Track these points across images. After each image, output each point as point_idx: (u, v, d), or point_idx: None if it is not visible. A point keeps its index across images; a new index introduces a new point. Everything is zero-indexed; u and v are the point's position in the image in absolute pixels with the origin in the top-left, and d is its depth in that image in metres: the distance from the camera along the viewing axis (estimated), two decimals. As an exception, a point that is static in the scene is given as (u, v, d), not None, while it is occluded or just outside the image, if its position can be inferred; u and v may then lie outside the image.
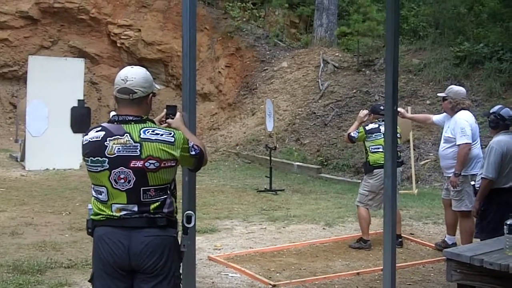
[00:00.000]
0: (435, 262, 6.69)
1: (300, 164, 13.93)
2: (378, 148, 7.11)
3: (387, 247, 4.33)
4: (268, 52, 19.20)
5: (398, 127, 7.38)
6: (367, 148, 7.34)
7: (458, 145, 6.60)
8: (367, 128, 7.37)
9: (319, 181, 12.76)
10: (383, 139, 6.85)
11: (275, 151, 12.66)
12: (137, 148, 3.09)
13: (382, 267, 4.59)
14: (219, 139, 17.04)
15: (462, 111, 6.77)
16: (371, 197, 7.28)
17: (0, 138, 18.16)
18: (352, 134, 7.50)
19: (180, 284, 3.33)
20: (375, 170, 7.16)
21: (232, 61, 19.50)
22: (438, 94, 7.51)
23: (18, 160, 14.00)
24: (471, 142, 6.59)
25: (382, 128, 7.11)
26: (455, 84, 8.06)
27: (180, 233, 3.30)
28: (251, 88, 18.31)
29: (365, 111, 7.65)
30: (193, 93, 3.68)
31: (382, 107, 7.44)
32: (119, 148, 3.10)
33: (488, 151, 5.67)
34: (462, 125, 6.63)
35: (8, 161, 14.27)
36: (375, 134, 7.26)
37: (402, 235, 7.48)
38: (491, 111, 5.87)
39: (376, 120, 7.40)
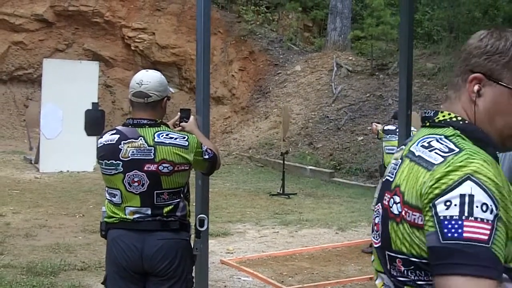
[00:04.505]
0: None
1: (313, 168, 13.92)
2: (392, 150, 7.13)
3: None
4: (281, 56, 19.21)
5: (415, 129, 7.39)
6: (383, 149, 7.45)
7: None
8: (385, 127, 7.54)
9: (332, 185, 12.73)
10: (397, 141, 6.91)
11: (287, 155, 12.62)
12: (151, 152, 3.10)
13: (395, 272, 4.56)
14: (232, 142, 17.06)
15: None
16: None
17: (15, 140, 18.31)
18: (379, 128, 7.81)
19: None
20: None
21: (246, 64, 19.53)
22: None
23: (32, 162, 14.10)
24: None
25: None
26: None
27: (193, 236, 3.31)
28: (264, 91, 18.33)
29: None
30: (206, 97, 3.68)
31: (386, 116, 7.59)
32: (133, 152, 3.11)
33: (502, 158, 5.62)
34: None
35: (23, 163, 14.37)
36: (390, 135, 7.33)
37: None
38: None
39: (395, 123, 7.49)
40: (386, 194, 1.49)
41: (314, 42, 20.55)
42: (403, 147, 1.55)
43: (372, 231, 1.57)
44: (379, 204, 1.53)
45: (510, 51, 1.44)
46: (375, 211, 1.56)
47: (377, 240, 1.52)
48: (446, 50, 16.33)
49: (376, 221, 1.53)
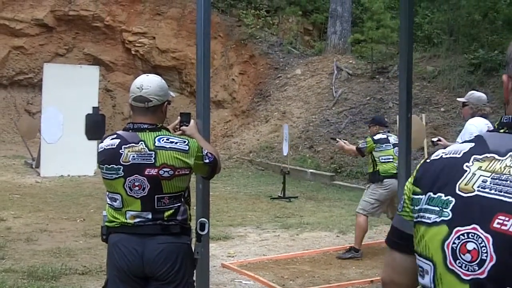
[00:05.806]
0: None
1: (314, 171, 13.91)
2: (389, 159, 7.09)
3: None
4: (281, 60, 19.23)
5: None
6: (376, 159, 7.22)
7: None
8: (375, 138, 7.31)
9: (333, 189, 12.73)
10: (393, 149, 6.99)
11: (288, 175, 12.31)
12: (152, 156, 3.11)
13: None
14: (232, 146, 17.07)
15: (476, 118, 6.70)
16: (376, 205, 7.15)
17: (16, 145, 18.31)
18: (360, 146, 7.52)
19: (194, 291, 3.34)
20: (385, 180, 7.08)
21: (246, 68, 19.55)
22: (458, 99, 7.41)
23: (33, 166, 14.10)
24: None
25: (391, 139, 7.18)
26: (476, 90, 7.95)
27: (193, 240, 3.31)
28: (265, 95, 18.34)
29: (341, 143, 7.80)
30: (207, 101, 3.69)
31: (386, 119, 7.52)
32: (134, 156, 3.11)
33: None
34: (471, 130, 6.53)
35: (23, 168, 14.38)
36: (385, 144, 7.22)
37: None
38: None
39: (381, 131, 7.37)
40: (500, 217, 1.21)
41: (314, 46, 20.58)
42: (494, 156, 1.29)
43: (457, 258, 1.27)
44: (476, 226, 1.24)
45: None
46: (468, 235, 1.26)
47: (470, 271, 1.24)
48: (446, 53, 16.33)
49: (469, 248, 1.24)
